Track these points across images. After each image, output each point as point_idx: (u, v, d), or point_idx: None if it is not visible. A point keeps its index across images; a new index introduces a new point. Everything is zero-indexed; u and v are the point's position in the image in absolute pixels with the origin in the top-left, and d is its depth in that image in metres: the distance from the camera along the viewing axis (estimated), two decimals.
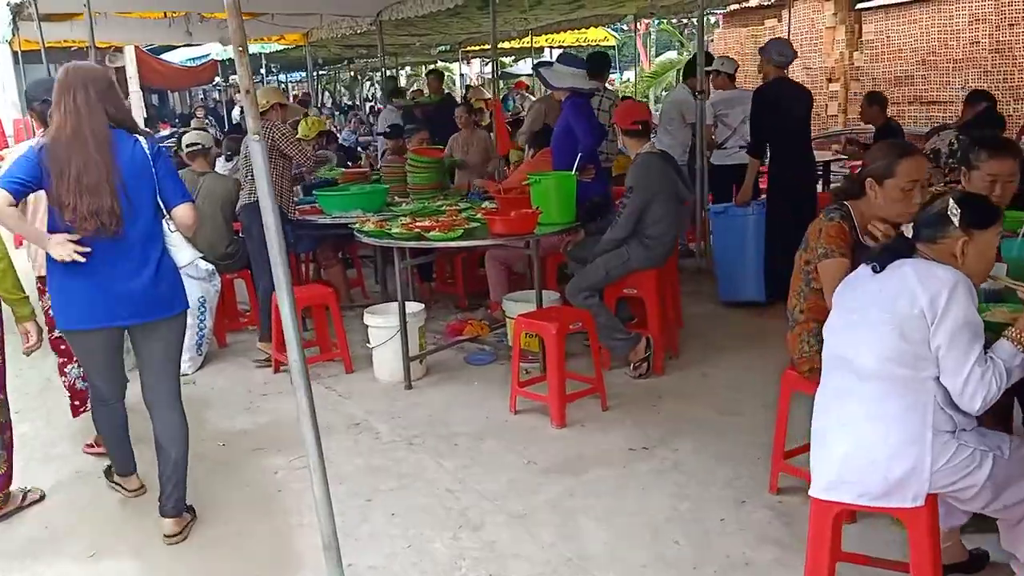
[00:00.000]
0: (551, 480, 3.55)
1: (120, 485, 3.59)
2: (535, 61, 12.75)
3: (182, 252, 3.18)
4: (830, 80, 12.83)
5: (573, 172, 4.81)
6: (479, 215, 4.98)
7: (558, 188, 4.75)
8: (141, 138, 3.07)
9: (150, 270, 3.07)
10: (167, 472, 3.24)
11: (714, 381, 4.57)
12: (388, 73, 12.91)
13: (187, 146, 5.70)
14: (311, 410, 2.51)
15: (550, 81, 5.20)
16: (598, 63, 6.21)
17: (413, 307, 4.96)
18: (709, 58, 7.39)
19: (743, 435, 3.83)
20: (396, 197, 6.10)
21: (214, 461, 3.98)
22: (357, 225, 4.94)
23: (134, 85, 18.19)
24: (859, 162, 8.22)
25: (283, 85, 22.03)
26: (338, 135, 11.34)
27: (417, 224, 4.62)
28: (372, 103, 25.53)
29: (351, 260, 7.25)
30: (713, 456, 3.66)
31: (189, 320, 5.26)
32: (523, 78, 19.72)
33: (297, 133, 7.95)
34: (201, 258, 5.77)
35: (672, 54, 21.81)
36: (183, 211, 3.12)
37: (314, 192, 5.81)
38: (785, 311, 3.05)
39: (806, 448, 3.25)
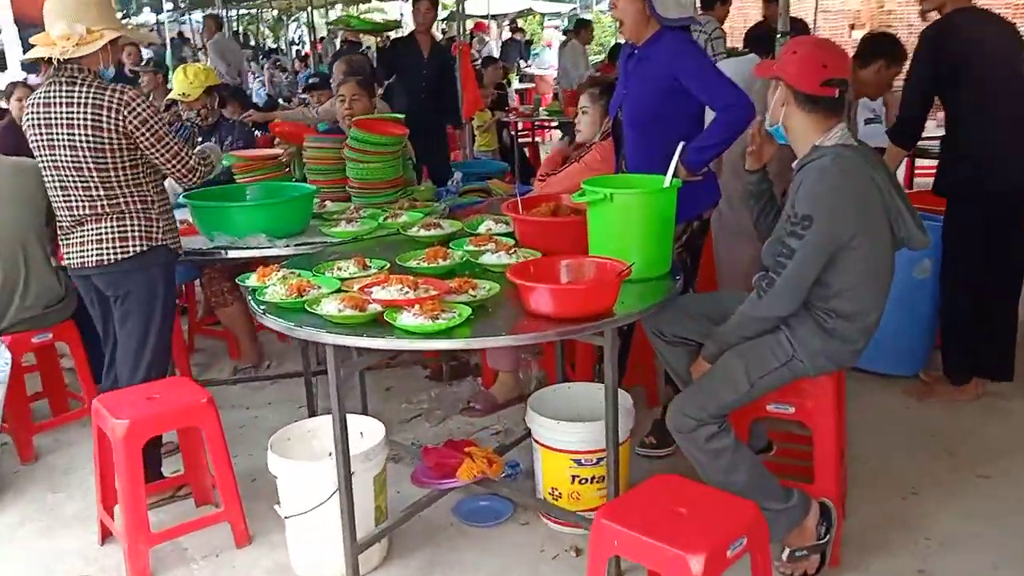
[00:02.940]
0: None
1: None
2: None
3: None
4: (853, 27, 10.69)
5: (669, 176, 2.51)
6: (489, 256, 2.66)
7: (649, 212, 2.46)
8: None
9: None
10: None
11: None
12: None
13: None
14: None
15: (661, 14, 2.78)
16: None
17: (367, 430, 2.66)
18: None
19: None
20: (328, 202, 3.72)
21: None
22: (252, 281, 2.58)
23: (6, 17, 15.21)
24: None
25: (187, 25, 18.77)
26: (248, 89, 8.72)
27: (369, 294, 2.27)
28: (299, 47, 22.51)
29: None
30: None
31: None
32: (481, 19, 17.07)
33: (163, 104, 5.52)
34: None
35: None
36: None
37: (184, 197, 3.39)
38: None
39: None
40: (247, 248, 3.13)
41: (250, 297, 2.48)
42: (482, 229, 3.10)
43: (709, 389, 2.35)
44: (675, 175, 2.53)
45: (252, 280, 2.58)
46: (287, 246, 3.14)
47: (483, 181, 4.79)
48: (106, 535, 2.83)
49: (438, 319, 2.11)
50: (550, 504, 2.73)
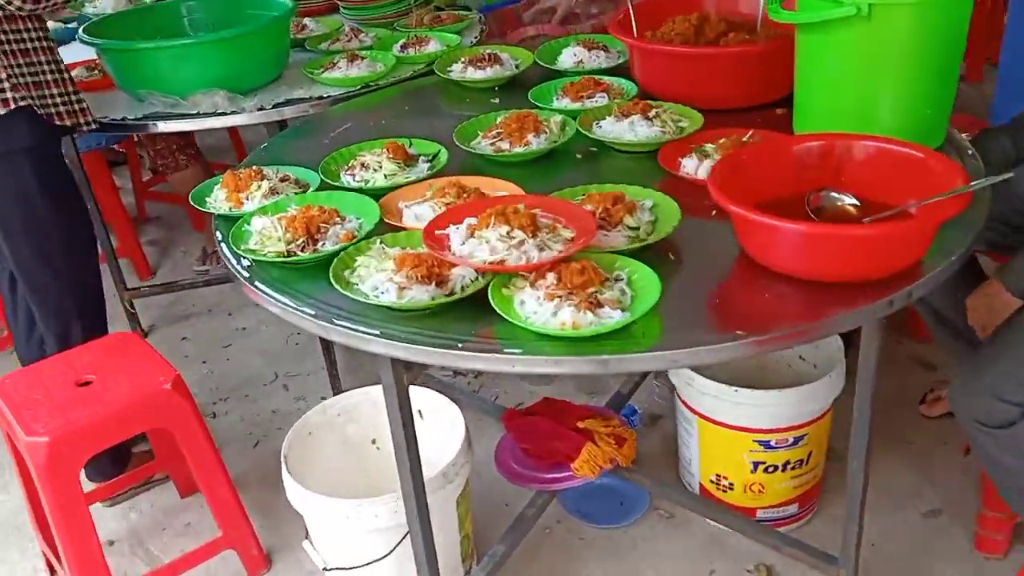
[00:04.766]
0: None
1: None
2: None
3: None
4: None
5: None
6: (612, 123, 1.56)
7: (937, 39, 1.34)
8: None
9: None
10: None
11: None
12: None
13: None
14: None
15: None
16: None
17: (430, 408, 1.70)
18: None
19: None
20: (306, 21, 2.49)
21: None
22: (220, 204, 1.48)
23: None
24: None
25: None
26: None
27: (446, 247, 1.19)
28: None
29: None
30: None
31: None
32: None
33: None
34: None
35: None
36: None
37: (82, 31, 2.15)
38: None
39: None
40: (196, 116, 1.97)
41: (221, 241, 1.39)
42: (566, 62, 1.96)
43: None
44: None
45: (219, 201, 1.48)
46: (260, 108, 1.98)
47: None
48: (55, 570, 1.92)
49: (601, 308, 1.06)
50: (713, 503, 1.82)
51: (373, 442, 1.83)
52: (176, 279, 3.01)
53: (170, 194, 3.59)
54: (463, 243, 1.18)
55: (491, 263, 1.13)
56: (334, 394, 2.39)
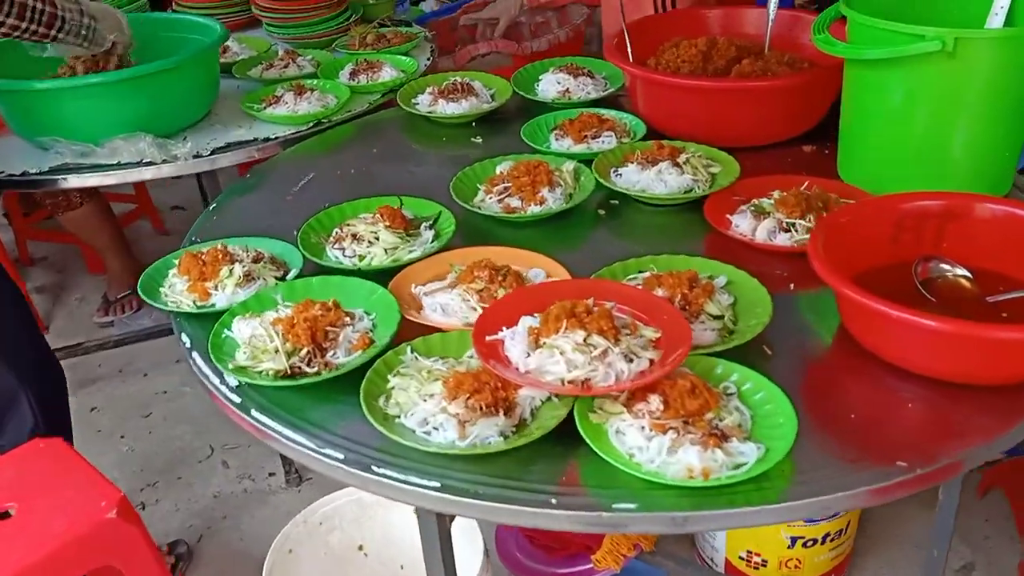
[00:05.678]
0: None
1: None
2: None
3: None
4: None
5: None
6: (635, 171, 1.34)
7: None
8: None
9: None
10: None
11: None
12: None
13: None
14: None
15: None
16: None
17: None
18: None
19: None
20: (230, 41, 2.16)
21: None
22: (180, 296, 1.17)
23: None
24: None
25: None
26: None
27: (505, 363, 0.94)
28: None
29: None
30: None
31: None
32: None
33: None
34: None
35: None
36: None
37: None
38: None
39: None
40: (116, 168, 1.64)
41: (192, 350, 1.10)
42: (548, 91, 1.74)
43: None
44: None
45: (178, 292, 1.18)
46: (196, 155, 1.67)
47: None
48: None
49: (727, 441, 0.85)
50: None
51: (360, 548, 1.57)
52: (77, 339, 2.59)
53: (58, 232, 3.15)
54: (528, 355, 0.94)
55: (573, 383, 0.90)
56: (285, 470, 2.10)
